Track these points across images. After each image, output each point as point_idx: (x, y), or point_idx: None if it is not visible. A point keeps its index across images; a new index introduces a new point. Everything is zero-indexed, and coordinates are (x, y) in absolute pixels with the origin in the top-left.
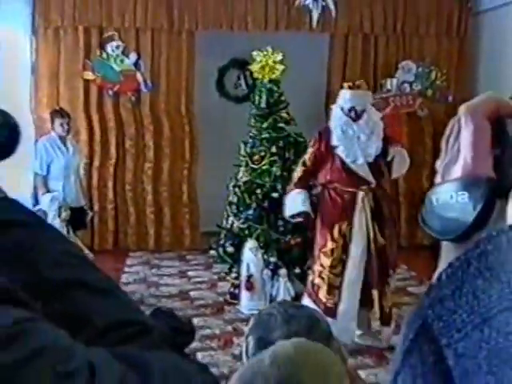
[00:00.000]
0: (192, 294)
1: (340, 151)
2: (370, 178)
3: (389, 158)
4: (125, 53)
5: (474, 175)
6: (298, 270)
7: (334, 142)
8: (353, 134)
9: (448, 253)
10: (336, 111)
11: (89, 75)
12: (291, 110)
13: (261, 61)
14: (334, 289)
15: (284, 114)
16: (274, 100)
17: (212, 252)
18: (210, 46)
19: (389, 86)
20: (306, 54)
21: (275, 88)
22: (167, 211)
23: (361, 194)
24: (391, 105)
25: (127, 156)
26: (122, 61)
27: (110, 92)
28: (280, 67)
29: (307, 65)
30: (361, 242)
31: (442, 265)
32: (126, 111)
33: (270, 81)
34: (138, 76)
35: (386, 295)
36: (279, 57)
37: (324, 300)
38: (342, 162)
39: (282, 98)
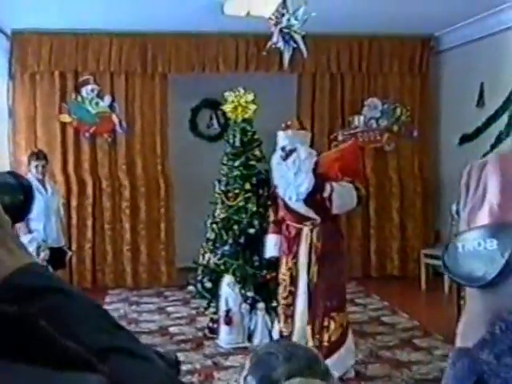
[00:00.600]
0: (171, 329)
1: (279, 191)
2: (311, 214)
3: (325, 194)
4: (100, 95)
5: (503, 221)
6: (275, 304)
7: (275, 181)
8: (284, 173)
9: (474, 299)
10: (276, 152)
11: (65, 118)
12: (263, 148)
13: (233, 101)
14: (287, 318)
15: (257, 152)
16: (248, 139)
17: (190, 288)
18: (183, 87)
19: (356, 123)
20: (276, 93)
21: (248, 127)
22: (144, 249)
23: (305, 230)
24: (359, 140)
25: (104, 195)
26: (97, 103)
27: (87, 134)
28: (252, 107)
29: (277, 103)
30: (305, 276)
31: (469, 311)
32: (103, 152)
33: (243, 120)
34: (114, 118)
35: (329, 329)
36: (251, 97)
37: (281, 329)
38: (284, 200)
39: (255, 137)
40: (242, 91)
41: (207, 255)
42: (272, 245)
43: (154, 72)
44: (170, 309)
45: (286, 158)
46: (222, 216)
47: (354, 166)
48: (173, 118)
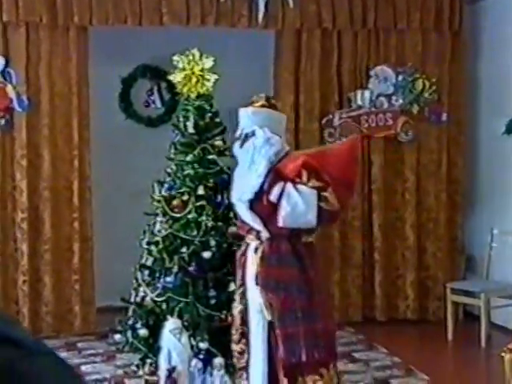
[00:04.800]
0: None
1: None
2: (257, 224)
3: (271, 197)
4: None
5: None
6: None
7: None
8: (240, 164)
9: None
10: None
11: None
12: (227, 136)
13: (184, 68)
14: (242, 373)
15: (218, 142)
16: (206, 123)
17: (116, 337)
18: (111, 47)
19: (359, 101)
20: (246, 58)
21: (206, 106)
22: (48, 280)
23: (252, 246)
24: (364, 125)
25: None
26: None
27: None
28: (211, 77)
29: (247, 73)
30: (256, 313)
31: None
32: None
33: (199, 96)
34: (9, 89)
35: None
36: (209, 62)
37: None
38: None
39: (217, 120)
40: (196, 55)
41: (142, 289)
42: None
43: (67, 23)
44: (85, 367)
45: (242, 144)
46: (164, 233)
47: (346, 172)
48: (96, 92)
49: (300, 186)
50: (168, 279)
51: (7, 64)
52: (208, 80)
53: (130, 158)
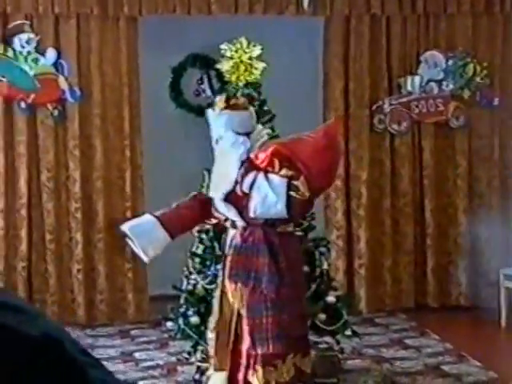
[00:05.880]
0: (141, 383)
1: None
2: (231, 214)
3: (244, 188)
4: (40, 49)
5: None
6: None
7: None
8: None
9: None
10: None
11: None
12: (276, 124)
13: (232, 57)
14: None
15: (267, 130)
16: (254, 111)
17: (168, 324)
18: (160, 37)
19: (409, 87)
20: (294, 45)
21: (255, 94)
22: (103, 269)
23: (230, 235)
24: (414, 111)
25: (44, 193)
26: (35, 60)
27: (23, 104)
28: (259, 65)
29: (296, 61)
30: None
31: None
32: (46, 131)
33: (248, 84)
34: (61, 81)
35: None
36: (258, 51)
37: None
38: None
39: (265, 108)
40: (244, 43)
41: (193, 277)
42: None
43: (117, 14)
44: (138, 355)
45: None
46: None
47: (321, 159)
48: (146, 82)
49: (271, 176)
50: (218, 267)
51: (59, 56)
52: (256, 68)
53: (181, 146)
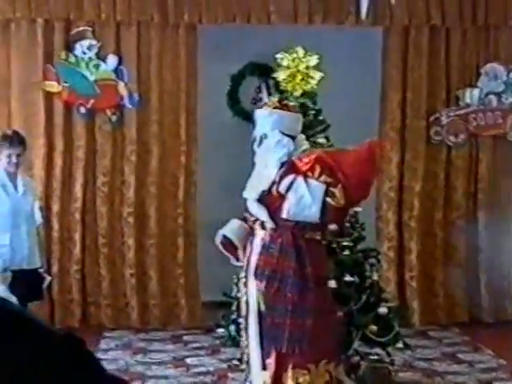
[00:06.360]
0: None
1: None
2: (262, 215)
3: (281, 188)
4: (101, 55)
5: None
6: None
7: None
8: (258, 163)
9: None
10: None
11: (52, 86)
12: (331, 134)
13: (289, 66)
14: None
15: (321, 140)
16: (309, 120)
17: (220, 331)
18: (220, 45)
19: (468, 99)
20: (352, 55)
21: (310, 104)
22: (154, 274)
23: (257, 239)
24: (472, 124)
25: (98, 197)
26: (96, 66)
27: (82, 109)
28: (316, 75)
29: (353, 71)
30: (252, 300)
31: None
32: (104, 136)
33: (304, 94)
34: (121, 87)
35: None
36: (314, 60)
37: None
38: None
39: (320, 118)
40: (301, 52)
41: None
42: (233, 226)
43: (178, 22)
44: (190, 360)
45: (259, 145)
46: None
47: (361, 172)
48: (205, 89)
49: (310, 180)
50: None
51: (120, 62)
52: (312, 78)
53: (237, 154)
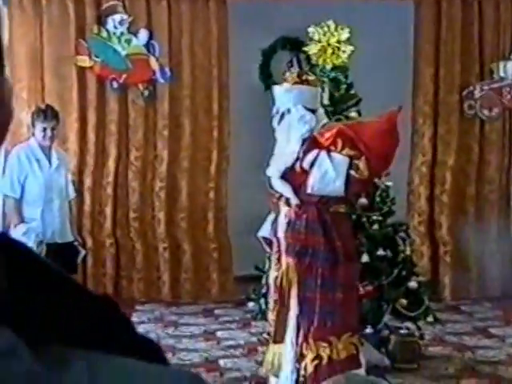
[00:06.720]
0: (222, 362)
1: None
2: (287, 192)
3: (304, 165)
4: (132, 30)
5: None
6: (369, 330)
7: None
8: (278, 140)
9: None
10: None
11: (84, 61)
12: (363, 108)
13: (320, 40)
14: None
15: (353, 114)
16: (341, 94)
17: (250, 305)
18: (251, 19)
19: (502, 73)
20: (383, 29)
21: (342, 78)
22: (187, 248)
23: (283, 213)
24: (506, 97)
25: (130, 172)
26: (128, 41)
27: (115, 84)
28: (347, 49)
29: (384, 45)
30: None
31: None
32: (136, 110)
33: (335, 68)
34: (152, 61)
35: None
36: (345, 34)
37: None
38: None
39: (352, 92)
40: (332, 26)
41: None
42: (268, 223)
43: None
44: (221, 334)
45: (280, 121)
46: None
47: (382, 143)
48: (236, 63)
49: (333, 154)
50: None
51: (151, 36)
52: (343, 51)
53: (268, 128)
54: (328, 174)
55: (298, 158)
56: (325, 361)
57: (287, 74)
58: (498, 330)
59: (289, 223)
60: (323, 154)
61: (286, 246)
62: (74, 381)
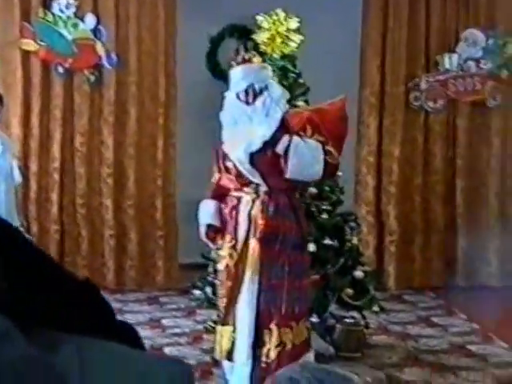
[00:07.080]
0: (167, 350)
1: (226, 146)
2: (257, 177)
3: (278, 149)
4: (78, 14)
5: None
6: (315, 319)
7: (224, 137)
8: (247, 120)
9: None
10: (228, 99)
11: (29, 45)
12: (311, 97)
13: (269, 28)
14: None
15: (301, 103)
16: (289, 83)
17: (196, 293)
18: (199, 6)
19: (447, 65)
20: (331, 18)
21: (290, 67)
22: (133, 235)
23: (245, 200)
24: (451, 89)
25: (76, 158)
26: (75, 25)
27: (60, 69)
28: (296, 38)
29: (333, 34)
30: (250, 263)
31: None
32: (82, 96)
33: (284, 57)
34: (99, 46)
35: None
36: (294, 23)
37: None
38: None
39: (300, 81)
40: (281, 14)
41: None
42: (210, 211)
43: None
44: (166, 321)
45: (253, 100)
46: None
47: (339, 129)
48: (183, 50)
49: (307, 139)
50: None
51: (98, 21)
52: (292, 41)
53: (215, 115)
54: (305, 159)
55: (267, 142)
56: (289, 346)
57: (245, 55)
58: (440, 319)
59: (262, 210)
60: (296, 138)
61: (253, 232)
62: (65, 363)
